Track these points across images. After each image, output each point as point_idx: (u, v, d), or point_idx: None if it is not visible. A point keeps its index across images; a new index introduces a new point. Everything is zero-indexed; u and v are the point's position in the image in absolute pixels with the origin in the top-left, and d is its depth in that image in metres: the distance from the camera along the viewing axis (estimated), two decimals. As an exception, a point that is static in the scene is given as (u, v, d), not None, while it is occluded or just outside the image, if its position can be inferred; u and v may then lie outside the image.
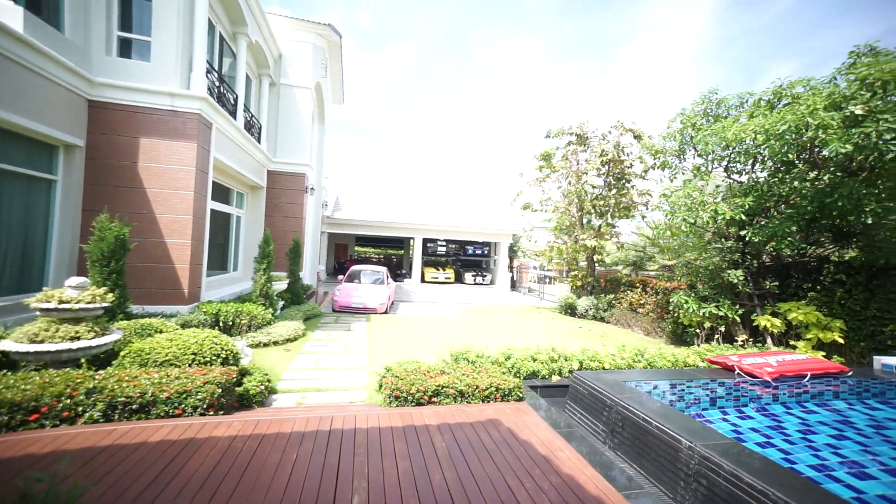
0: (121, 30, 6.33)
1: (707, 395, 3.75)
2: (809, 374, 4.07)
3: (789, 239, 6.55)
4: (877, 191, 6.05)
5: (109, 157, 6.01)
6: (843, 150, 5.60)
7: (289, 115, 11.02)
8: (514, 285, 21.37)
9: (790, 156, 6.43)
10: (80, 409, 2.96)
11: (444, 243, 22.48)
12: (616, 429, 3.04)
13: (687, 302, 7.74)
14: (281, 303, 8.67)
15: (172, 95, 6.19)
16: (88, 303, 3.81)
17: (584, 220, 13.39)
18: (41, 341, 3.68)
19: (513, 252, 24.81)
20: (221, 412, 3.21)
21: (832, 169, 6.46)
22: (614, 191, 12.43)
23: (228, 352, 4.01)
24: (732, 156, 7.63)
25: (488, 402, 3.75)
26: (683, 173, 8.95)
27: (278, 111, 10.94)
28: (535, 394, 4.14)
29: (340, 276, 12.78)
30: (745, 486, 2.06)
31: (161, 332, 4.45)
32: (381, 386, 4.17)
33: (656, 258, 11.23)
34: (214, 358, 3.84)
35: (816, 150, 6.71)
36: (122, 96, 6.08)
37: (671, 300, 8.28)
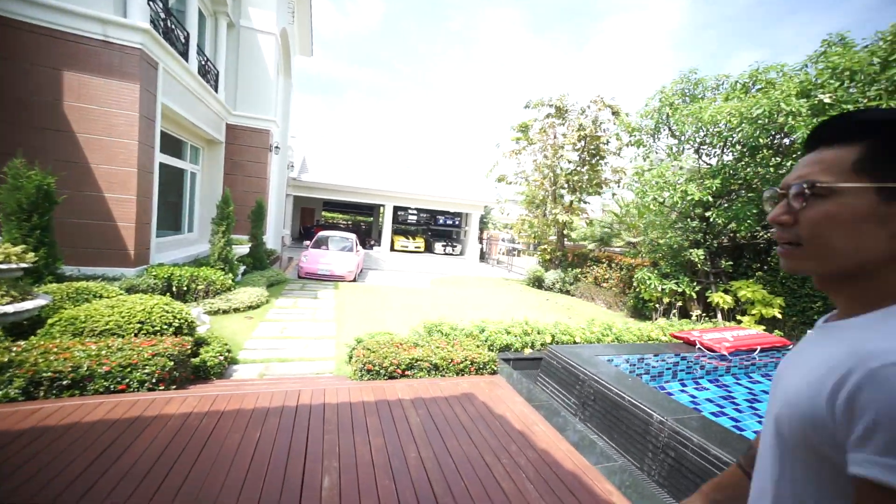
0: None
1: (670, 368, 3.93)
2: (759, 348, 4.36)
3: (749, 221, 6.88)
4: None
5: (20, 90, 5.06)
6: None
7: (251, 64, 9.92)
8: (483, 257, 21.56)
9: (761, 140, 6.61)
10: (-6, 385, 2.58)
11: (414, 212, 22.04)
12: (588, 402, 3.11)
13: (650, 278, 8.08)
14: (242, 268, 8.16)
15: (104, 23, 5.24)
16: (0, 262, 3.28)
17: (557, 195, 13.50)
18: (-55, 306, 3.16)
19: (483, 224, 24.85)
20: (174, 387, 2.94)
21: (794, 156, 6.74)
22: (587, 167, 12.51)
23: (182, 320, 3.66)
24: (706, 138, 7.77)
25: (462, 375, 3.71)
26: (656, 153, 9.07)
27: (238, 58, 9.81)
28: (509, 367, 4.16)
29: (307, 242, 12.24)
30: (712, 458, 2.13)
31: (101, 296, 3.97)
32: (350, 358, 4.02)
33: (623, 235, 11.61)
34: (166, 327, 3.49)
35: (781, 136, 6.96)
36: (35, 14, 5.01)
37: (635, 276, 8.62)
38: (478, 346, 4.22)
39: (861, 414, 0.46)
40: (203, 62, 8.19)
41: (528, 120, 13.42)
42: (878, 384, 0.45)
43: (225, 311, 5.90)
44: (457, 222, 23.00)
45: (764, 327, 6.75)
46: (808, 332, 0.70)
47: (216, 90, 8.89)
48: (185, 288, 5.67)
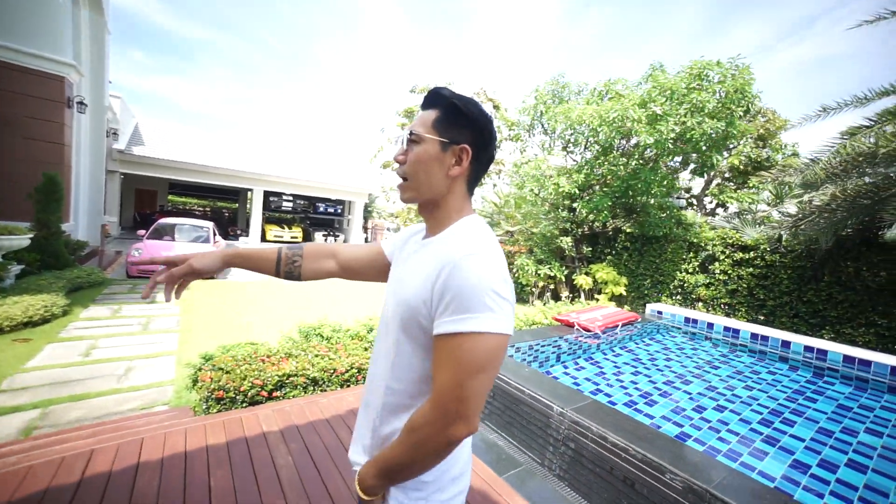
0: None
1: (555, 352, 4.09)
2: (621, 323, 4.94)
3: (605, 212, 7.93)
4: (658, 178, 7.74)
5: None
6: (648, 142, 6.88)
7: (21, -27, 6.95)
8: (369, 247, 20.66)
9: (615, 141, 7.61)
10: None
11: (290, 198, 19.60)
12: (488, 399, 2.92)
13: (528, 264, 8.69)
14: (16, 268, 5.73)
15: None
16: None
17: (443, 185, 13.57)
18: None
19: (368, 212, 23.83)
20: None
21: (636, 157, 7.99)
22: (471, 158, 12.86)
23: None
24: (573, 136, 8.64)
25: (349, 387, 3.13)
26: (531, 147, 9.77)
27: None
28: (400, 367, 3.74)
29: (142, 231, 9.60)
30: (609, 445, 2.11)
31: None
32: (195, 383, 3.03)
33: (502, 224, 12.37)
34: None
35: (626, 140, 8.19)
36: None
37: (515, 263, 9.18)
38: (366, 349, 3.68)
39: (446, 293, 0.68)
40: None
41: (413, 105, 13.09)
42: (455, 271, 0.68)
43: (-23, 334, 3.97)
44: (339, 210, 21.43)
45: (614, 303, 7.93)
46: (407, 251, 0.89)
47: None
48: None
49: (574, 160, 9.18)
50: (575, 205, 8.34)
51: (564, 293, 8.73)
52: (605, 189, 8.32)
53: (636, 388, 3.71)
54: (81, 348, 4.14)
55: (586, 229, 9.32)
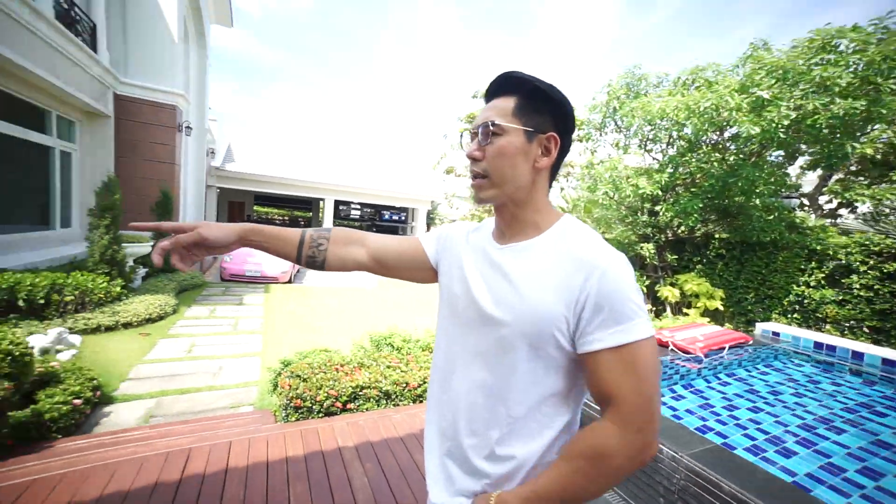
0: None
1: (648, 375, 3.58)
2: (727, 346, 4.22)
3: (695, 215, 7.00)
4: (764, 174, 6.63)
5: None
6: (752, 132, 5.92)
7: (144, 21, 8.14)
8: (431, 253, 20.93)
9: (708, 133, 6.70)
10: None
11: (358, 207, 20.68)
12: (574, 428, 2.59)
13: (603, 274, 8.00)
14: (142, 271, 6.63)
15: None
16: None
17: (507, 190, 13.22)
18: None
19: (430, 219, 24.21)
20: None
21: (734, 151, 6.96)
22: (537, 161, 12.37)
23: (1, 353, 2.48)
24: (652, 132, 7.81)
25: (421, 402, 3.00)
26: (603, 147, 9.06)
27: (125, 11, 7.99)
28: (472, 382, 3.53)
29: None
30: (748, 509, 1.67)
31: None
32: (275, 387, 3.13)
33: (572, 230, 11.72)
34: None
35: (719, 133, 7.17)
36: None
37: (589, 271, 8.52)
38: (437, 362, 3.54)
39: (602, 303, 0.63)
40: (65, 6, 6.37)
41: (475, 111, 12.98)
42: (605, 279, 0.63)
43: (110, 328, 4.59)
44: (403, 217, 22.08)
45: (709, 319, 6.93)
46: (480, 252, 0.80)
47: (94, 48, 7.05)
48: (40, 300, 4.23)
49: (654, 158, 8.30)
50: (657, 208, 7.50)
51: (647, 306, 7.86)
52: (692, 189, 7.36)
53: (759, 430, 3.05)
54: (185, 345, 4.58)
55: (670, 234, 8.35)
